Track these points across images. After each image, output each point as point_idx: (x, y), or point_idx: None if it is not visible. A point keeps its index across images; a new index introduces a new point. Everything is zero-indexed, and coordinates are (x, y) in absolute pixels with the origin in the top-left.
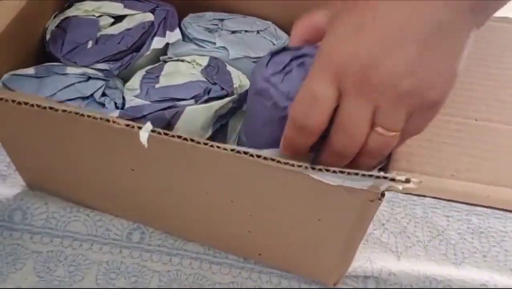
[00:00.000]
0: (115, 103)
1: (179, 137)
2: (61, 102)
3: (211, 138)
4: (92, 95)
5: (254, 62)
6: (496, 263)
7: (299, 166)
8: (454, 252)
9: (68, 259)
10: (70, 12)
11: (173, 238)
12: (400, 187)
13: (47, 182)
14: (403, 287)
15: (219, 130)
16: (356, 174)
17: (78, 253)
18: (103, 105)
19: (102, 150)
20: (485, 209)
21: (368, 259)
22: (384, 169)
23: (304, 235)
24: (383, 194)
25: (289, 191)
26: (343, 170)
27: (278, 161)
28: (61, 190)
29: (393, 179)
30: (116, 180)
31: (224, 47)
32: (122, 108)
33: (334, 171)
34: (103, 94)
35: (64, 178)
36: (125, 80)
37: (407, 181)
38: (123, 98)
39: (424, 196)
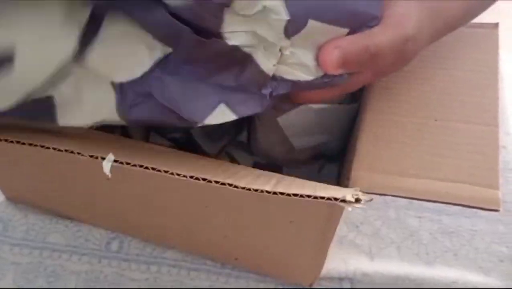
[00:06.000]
0: None
1: (141, 166)
2: None
3: None
4: None
5: None
6: (467, 261)
7: (256, 190)
8: (426, 252)
9: (47, 270)
10: None
11: (152, 247)
12: (350, 208)
13: (26, 194)
14: (376, 287)
15: None
16: (309, 196)
17: (57, 264)
18: None
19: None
20: (455, 209)
21: (342, 261)
22: (348, 170)
23: (278, 238)
24: None
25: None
26: (297, 193)
27: (236, 186)
28: (40, 202)
29: (344, 200)
30: (92, 190)
31: None
32: None
33: (288, 194)
34: None
35: (41, 190)
36: None
37: (357, 201)
38: None
39: (386, 194)
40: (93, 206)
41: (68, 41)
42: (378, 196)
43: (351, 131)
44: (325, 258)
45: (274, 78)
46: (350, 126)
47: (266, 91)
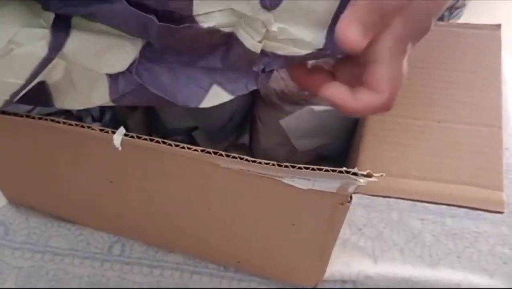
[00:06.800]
0: (92, 116)
1: (152, 140)
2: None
3: None
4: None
5: None
6: (470, 263)
7: (267, 163)
8: (430, 254)
9: (49, 274)
10: None
11: (154, 250)
12: (362, 180)
13: (28, 197)
14: None
15: None
16: (320, 169)
17: (59, 267)
18: (80, 119)
19: (80, 162)
20: (459, 211)
21: (345, 264)
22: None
23: (280, 240)
24: (351, 197)
25: (262, 197)
26: (308, 166)
27: (247, 160)
28: (41, 205)
29: (355, 174)
30: (95, 192)
31: None
32: (100, 120)
33: (299, 168)
34: None
35: (44, 193)
36: None
37: (369, 175)
38: (100, 110)
39: (390, 197)
40: (95, 209)
41: (39, 41)
42: (381, 198)
43: (353, 133)
44: (328, 261)
45: (265, 54)
46: (352, 128)
47: (257, 68)
